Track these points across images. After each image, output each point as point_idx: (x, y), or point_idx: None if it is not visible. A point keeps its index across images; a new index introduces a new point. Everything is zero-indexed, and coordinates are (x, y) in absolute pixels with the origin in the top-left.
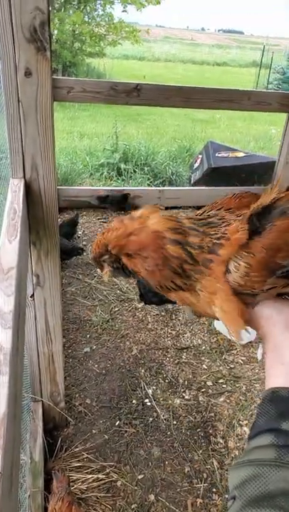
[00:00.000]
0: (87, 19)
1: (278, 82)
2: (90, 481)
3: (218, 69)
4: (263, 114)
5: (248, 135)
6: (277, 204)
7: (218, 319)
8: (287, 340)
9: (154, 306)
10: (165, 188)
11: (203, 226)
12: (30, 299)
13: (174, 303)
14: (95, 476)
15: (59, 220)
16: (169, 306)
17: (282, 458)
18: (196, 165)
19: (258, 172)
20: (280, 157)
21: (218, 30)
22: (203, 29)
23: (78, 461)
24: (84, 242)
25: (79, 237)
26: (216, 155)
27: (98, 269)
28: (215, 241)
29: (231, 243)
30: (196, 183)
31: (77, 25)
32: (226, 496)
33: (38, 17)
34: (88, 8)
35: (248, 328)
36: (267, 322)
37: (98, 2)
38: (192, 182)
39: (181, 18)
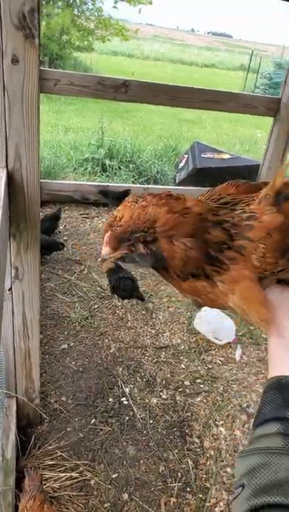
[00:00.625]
0: (76, 12)
1: (265, 86)
2: (63, 479)
3: (207, 70)
4: (249, 117)
5: (233, 137)
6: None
7: (227, 309)
8: None
9: (130, 300)
10: (150, 186)
11: (225, 204)
12: (8, 292)
13: (143, 299)
14: (68, 474)
15: (41, 214)
16: (150, 305)
17: None
18: (181, 165)
19: (242, 174)
20: (265, 161)
21: (208, 33)
22: (193, 30)
23: (52, 459)
24: (65, 238)
25: (60, 232)
26: (202, 156)
27: (104, 249)
28: (245, 221)
29: (264, 226)
30: (181, 183)
31: (65, 20)
32: (200, 496)
33: (28, 3)
34: (78, 1)
35: (230, 330)
36: (270, 307)
37: None
38: (177, 181)
39: (172, 18)
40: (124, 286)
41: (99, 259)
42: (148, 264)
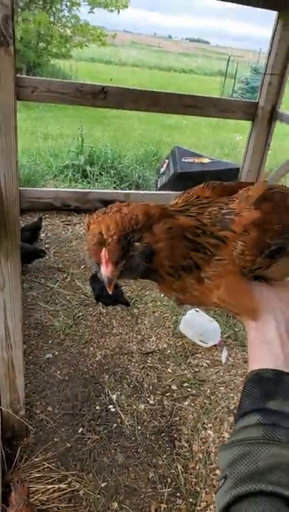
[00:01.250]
0: (52, 19)
1: (242, 91)
2: (51, 491)
3: (185, 76)
4: (228, 122)
5: (213, 141)
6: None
7: (208, 305)
8: (269, 318)
9: (115, 306)
10: (131, 191)
11: (199, 205)
12: None
13: (128, 304)
14: (56, 486)
15: (21, 222)
16: (135, 310)
17: (269, 435)
18: (162, 169)
19: (222, 178)
20: (244, 164)
21: (185, 39)
22: (170, 37)
23: (39, 471)
24: (47, 245)
25: (41, 239)
26: (182, 160)
27: (107, 269)
28: (225, 216)
29: (242, 220)
30: (163, 188)
31: (42, 26)
32: (190, 500)
33: (1, 11)
34: (54, 8)
35: (215, 333)
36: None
37: (64, 3)
38: (158, 186)
39: (149, 24)
40: (108, 293)
41: (106, 284)
42: (142, 269)
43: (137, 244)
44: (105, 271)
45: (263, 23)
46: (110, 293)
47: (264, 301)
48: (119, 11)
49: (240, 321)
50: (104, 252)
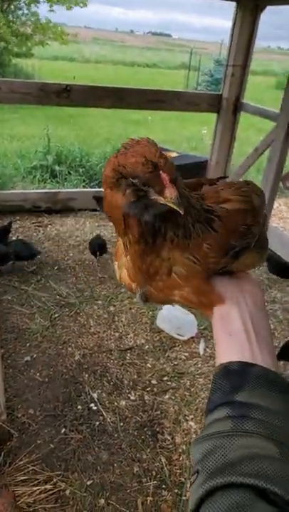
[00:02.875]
0: (11, 18)
1: (207, 83)
2: (37, 493)
3: (149, 70)
4: (194, 115)
5: (180, 135)
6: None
7: (170, 302)
8: (233, 310)
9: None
10: (102, 189)
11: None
12: None
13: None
14: (42, 487)
15: None
16: (111, 308)
17: (238, 427)
18: None
19: (191, 172)
20: (212, 156)
21: (147, 33)
22: (132, 31)
23: (24, 474)
24: None
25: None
26: None
27: (172, 191)
28: (206, 213)
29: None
30: None
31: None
32: (176, 491)
33: None
34: (12, 6)
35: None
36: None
37: (23, 0)
38: None
39: (110, 20)
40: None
41: (178, 206)
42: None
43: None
44: (173, 191)
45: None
46: (182, 213)
47: (227, 294)
48: (81, 7)
49: (203, 315)
50: (163, 175)
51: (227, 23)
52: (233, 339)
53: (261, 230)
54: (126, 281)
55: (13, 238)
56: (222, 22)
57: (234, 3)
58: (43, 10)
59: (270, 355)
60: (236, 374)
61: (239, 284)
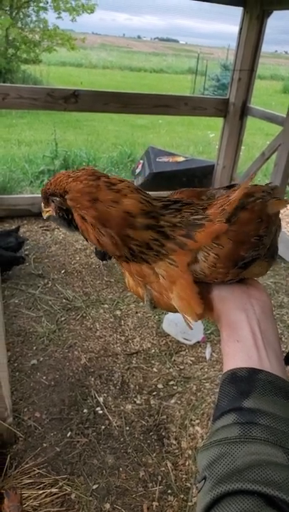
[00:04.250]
0: (20, 25)
1: (214, 88)
2: (43, 496)
3: (156, 75)
4: (201, 119)
5: (187, 140)
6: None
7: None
8: (241, 317)
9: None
10: None
11: (179, 205)
12: None
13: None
14: (48, 490)
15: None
16: (118, 312)
17: (245, 434)
18: (137, 170)
19: (198, 176)
20: (219, 161)
21: (154, 39)
22: (139, 37)
23: (29, 477)
24: (26, 252)
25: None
26: (157, 160)
27: (42, 204)
28: (195, 220)
29: (210, 232)
30: None
31: (5, 29)
32: (182, 496)
33: None
34: (21, 13)
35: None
36: (220, 302)
37: (31, 8)
38: None
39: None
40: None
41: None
42: (67, 230)
43: (55, 207)
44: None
45: (230, 20)
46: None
47: (236, 300)
48: (89, 13)
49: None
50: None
51: (234, 28)
52: (241, 345)
53: (273, 239)
54: (133, 288)
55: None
56: (229, 27)
57: (241, 9)
58: (51, 17)
59: (278, 361)
60: (244, 380)
61: (246, 290)
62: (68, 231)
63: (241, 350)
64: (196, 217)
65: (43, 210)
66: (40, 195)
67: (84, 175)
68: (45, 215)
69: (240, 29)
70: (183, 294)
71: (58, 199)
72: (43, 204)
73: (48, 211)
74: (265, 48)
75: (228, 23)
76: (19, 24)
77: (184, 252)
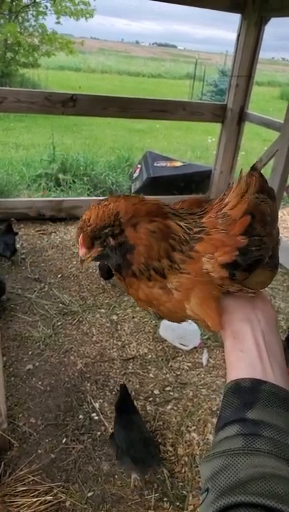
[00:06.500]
0: (19, 29)
1: (211, 93)
2: (37, 504)
3: (154, 80)
4: (199, 124)
5: (185, 144)
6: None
7: (185, 320)
8: (245, 327)
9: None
10: (105, 197)
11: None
12: None
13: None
14: (42, 498)
15: None
16: (114, 317)
17: (249, 445)
18: (135, 175)
19: (195, 181)
20: (216, 166)
21: (153, 44)
22: (137, 42)
23: (24, 484)
24: (23, 256)
25: (17, 250)
26: (155, 165)
27: (81, 251)
28: (195, 234)
29: (213, 243)
30: (137, 193)
31: (9, 35)
32: (178, 504)
33: None
34: (20, 18)
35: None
36: (225, 312)
37: (30, 13)
38: (132, 192)
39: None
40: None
41: (79, 261)
42: (119, 258)
43: (109, 239)
44: (79, 251)
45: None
46: (82, 269)
47: (240, 310)
48: (86, 19)
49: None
50: (81, 237)
51: (232, 35)
52: (245, 356)
53: (274, 247)
54: (140, 304)
55: (18, 246)
56: (227, 33)
57: (239, 15)
58: (49, 22)
59: (282, 373)
60: (247, 391)
61: (251, 300)
62: (108, 261)
63: (245, 361)
64: (195, 229)
65: (83, 258)
66: (36, 200)
67: (115, 197)
68: (88, 261)
69: (238, 35)
70: (202, 295)
71: (108, 229)
72: (83, 250)
73: (93, 253)
74: (263, 54)
75: (226, 30)
76: (18, 28)
77: (192, 261)
